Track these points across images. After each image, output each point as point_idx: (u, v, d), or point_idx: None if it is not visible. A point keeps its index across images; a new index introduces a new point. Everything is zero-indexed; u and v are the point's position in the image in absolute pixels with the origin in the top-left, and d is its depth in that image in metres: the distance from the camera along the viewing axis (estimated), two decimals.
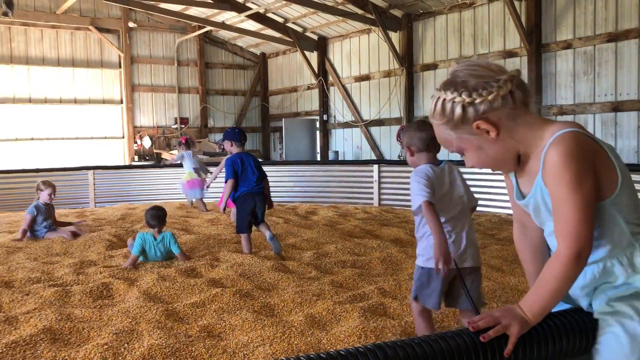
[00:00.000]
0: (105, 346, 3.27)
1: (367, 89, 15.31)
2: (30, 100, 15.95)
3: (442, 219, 2.92)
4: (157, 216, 5.52)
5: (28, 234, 6.88)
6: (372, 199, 10.69)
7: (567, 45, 10.60)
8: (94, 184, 11.71)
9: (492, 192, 9.11)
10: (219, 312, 3.97)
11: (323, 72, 16.49)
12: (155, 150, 17.35)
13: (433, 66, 13.34)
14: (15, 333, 3.59)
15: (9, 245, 6.56)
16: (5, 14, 12.88)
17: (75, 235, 6.85)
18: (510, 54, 11.62)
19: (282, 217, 8.50)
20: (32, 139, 15.98)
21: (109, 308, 4.11)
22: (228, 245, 6.35)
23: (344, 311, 3.87)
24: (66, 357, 3.18)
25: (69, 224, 7.48)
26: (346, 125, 15.97)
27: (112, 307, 4.13)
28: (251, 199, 5.84)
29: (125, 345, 3.33)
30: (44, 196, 7.03)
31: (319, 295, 4.29)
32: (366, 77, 15.26)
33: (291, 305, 4.09)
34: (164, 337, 3.41)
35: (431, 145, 2.96)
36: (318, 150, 17.12)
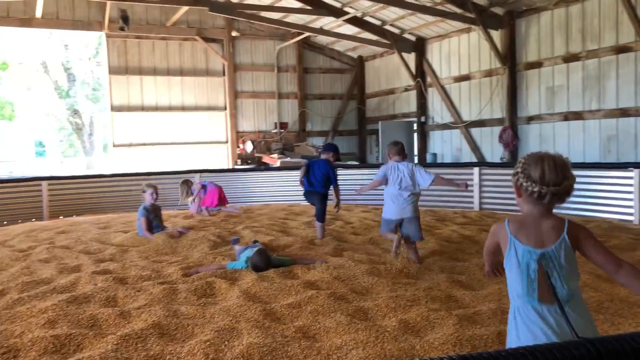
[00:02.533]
0: (208, 343, 3.45)
1: (467, 89, 14.93)
2: (143, 108, 17.09)
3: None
4: (262, 264, 5.37)
5: (141, 233, 7.36)
6: (472, 202, 10.41)
7: None
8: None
9: (602, 196, 8.58)
10: (314, 313, 4.06)
11: (421, 74, 16.28)
12: (256, 154, 17.96)
13: (537, 64, 12.76)
14: (128, 326, 3.88)
15: (124, 244, 7.08)
16: (122, 29, 13.91)
17: (181, 234, 7.25)
18: (623, 49, 10.86)
19: (378, 220, 8.48)
20: (144, 144, 17.10)
21: (211, 306, 4.32)
22: (323, 247, 6.44)
23: (438, 318, 3.82)
24: (172, 352, 3.39)
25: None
26: (445, 126, 15.67)
27: (214, 305, 4.34)
28: None
29: (226, 342, 3.49)
30: (147, 197, 7.52)
31: (414, 301, 4.26)
32: (466, 77, 14.88)
33: (385, 309, 4.09)
34: (261, 336, 3.54)
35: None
36: (416, 152, 16.92)
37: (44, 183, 11.47)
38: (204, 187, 9.90)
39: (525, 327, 2.19)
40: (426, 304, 4.19)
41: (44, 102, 34.70)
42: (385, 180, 6.07)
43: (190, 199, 9.88)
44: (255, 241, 6.58)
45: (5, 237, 7.89)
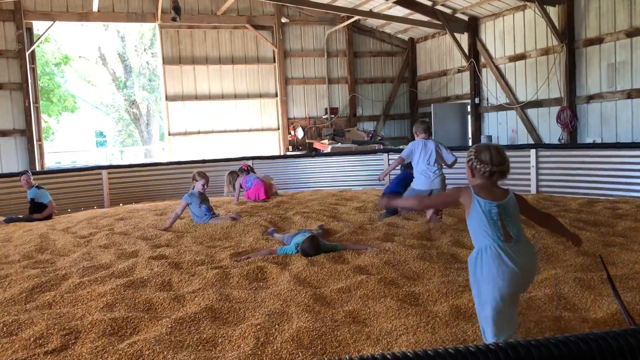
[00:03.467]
0: (258, 326, 3.50)
1: (522, 68, 14.45)
2: (196, 97, 17.41)
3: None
4: (311, 251, 5.37)
5: (195, 219, 7.52)
6: (529, 185, 10.11)
7: None
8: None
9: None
10: (363, 298, 4.05)
11: (474, 54, 15.87)
12: (307, 140, 18.02)
13: (598, 40, 12.20)
14: (182, 310, 3.98)
15: (179, 230, 7.25)
16: (174, 19, 14.16)
17: (234, 220, 7.37)
18: None
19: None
20: (199, 132, 17.45)
21: (262, 290, 4.38)
22: (374, 232, 6.40)
23: None
24: (224, 335, 3.46)
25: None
26: (500, 108, 15.24)
27: (265, 290, 4.39)
28: None
29: (276, 326, 3.53)
30: (198, 186, 7.64)
31: (465, 286, 4.17)
32: (521, 57, 14.40)
33: (436, 295, 4.03)
34: (311, 321, 3.55)
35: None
36: (470, 135, 16.56)
37: (104, 172, 11.90)
38: (241, 186, 9.98)
39: (491, 260, 2.88)
40: None
41: (103, 94, 35.92)
42: (408, 159, 7.02)
43: (232, 192, 10.01)
44: (321, 226, 6.63)
45: (69, 224, 8.23)
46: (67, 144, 36.43)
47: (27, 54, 15.39)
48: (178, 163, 12.94)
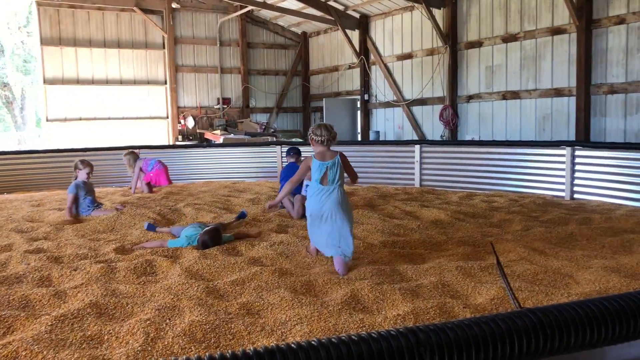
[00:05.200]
0: (148, 321, 3.36)
1: (409, 67, 15.09)
2: (78, 81, 16.39)
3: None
4: (212, 244, 5.27)
5: (74, 211, 7.10)
6: (413, 179, 10.60)
7: (620, 20, 10.17)
8: None
9: (536, 173, 8.90)
10: (257, 290, 4.02)
11: (364, 51, 16.33)
12: (198, 130, 17.61)
13: (478, 44, 13.03)
14: (64, 306, 3.73)
15: (59, 222, 6.80)
16: None
17: (118, 211, 7.03)
18: (558, 30, 11.23)
19: None
20: (80, 119, 16.44)
21: (152, 285, 4.22)
22: (267, 224, 6.40)
23: (388, 292, 3.85)
24: (111, 331, 3.28)
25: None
26: (388, 105, 15.83)
27: (155, 284, 4.23)
28: None
29: (167, 321, 3.41)
30: (82, 175, 7.23)
31: (359, 276, 4.29)
32: (409, 56, 15.03)
33: (329, 284, 4.10)
34: (204, 314, 3.48)
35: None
36: (359, 130, 17.04)
37: None
38: (141, 169, 9.57)
39: (314, 196, 4.62)
40: (371, 278, 4.24)
41: None
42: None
43: (133, 175, 9.57)
44: (220, 224, 6.42)
45: None
46: None
47: None
48: (57, 151, 12.09)
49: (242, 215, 6.59)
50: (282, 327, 3.33)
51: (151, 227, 6.22)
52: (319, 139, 4.64)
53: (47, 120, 16.14)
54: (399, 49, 15.33)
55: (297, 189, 7.26)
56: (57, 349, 3.02)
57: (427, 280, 4.18)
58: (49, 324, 3.35)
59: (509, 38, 12.27)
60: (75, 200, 7.12)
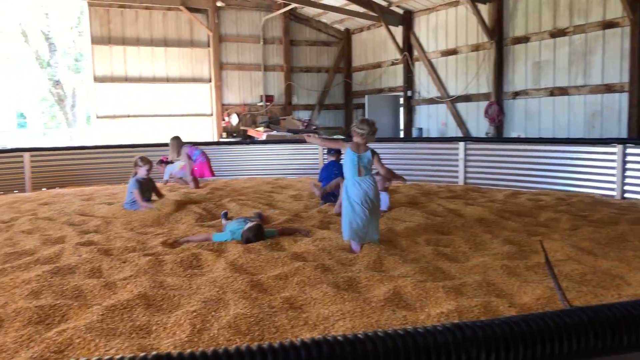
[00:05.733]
0: (194, 313, 3.44)
1: (454, 63, 14.88)
2: (126, 79, 16.81)
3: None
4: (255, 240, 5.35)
5: (127, 206, 7.28)
6: (457, 177, 10.47)
7: None
8: None
9: (585, 171, 8.66)
10: (300, 284, 4.06)
11: (408, 47, 16.18)
12: (241, 127, 17.82)
13: (524, 39, 12.74)
14: (114, 297, 3.85)
15: (108, 215, 7.01)
16: None
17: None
18: (610, 24, 10.86)
19: None
20: (128, 116, 16.87)
21: (197, 277, 4.31)
22: (310, 221, 6.44)
23: (431, 290, 3.83)
24: (158, 322, 3.38)
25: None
26: (431, 101, 15.65)
27: (200, 277, 4.32)
28: None
29: (213, 313, 3.49)
30: (142, 172, 7.41)
31: (402, 273, 4.28)
32: (453, 52, 14.82)
33: (372, 280, 4.11)
34: (248, 307, 3.53)
35: None
36: (401, 127, 16.91)
37: (26, 154, 11.28)
38: (189, 157, 9.78)
39: (352, 187, 5.08)
40: (414, 275, 4.22)
41: (24, 73, 33.99)
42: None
43: (178, 163, 9.76)
44: (259, 214, 6.55)
45: None
46: None
47: None
48: (106, 147, 12.46)
49: (259, 216, 6.62)
50: (325, 322, 3.35)
51: (224, 215, 6.48)
52: (361, 131, 5.09)
53: (97, 117, 16.63)
54: (444, 45, 15.13)
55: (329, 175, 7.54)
56: (108, 337, 3.13)
57: (471, 278, 4.14)
58: (100, 313, 3.47)
59: (557, 33, 11.95)
60: (138, 194, 7.28)
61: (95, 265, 4.62)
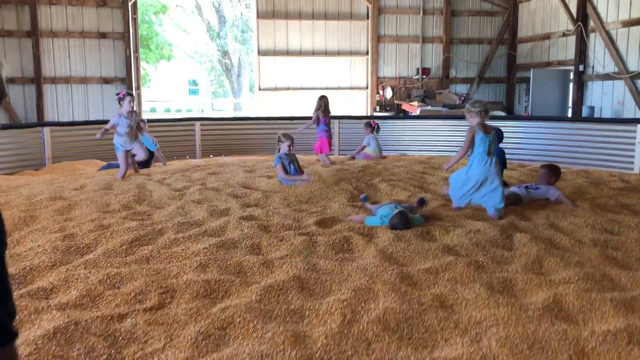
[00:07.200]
0: (345, 302, 3.51)
1: (636, 35, 13.32)
2: (287, 53, 17.45)
3: None
4: (401, 227, 5.31)
5: (283, 181, 7.62)
6: (632, 162, 9.46)
7: None
8: (339, 133, 12.49)
9: None
10: (452, 281, 3.96)
11: (583, 17, 14.77)
12: (396, 101, 17.69)
13: None
14: (271, 276, 4.06)
15: (268, 189, 7.39)
16: None
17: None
18: None
19: (523, 179, 8.02)
20: (287, 88, 17.55)
21: (348, 263, 4.38)
22: (462, 209, 6.22)
23: (597, 301, 3.52)
24: (311, 308, 3.50)
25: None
26: (606, 77, 14.21)
27: (351, 262, 4.39)
28: None
29: (363, 304, 3.53)
30: (284, 147, 7.74)
31: (564, 278, 3.98)
32: (637, 22, 13.24)
33: (530, 285, 3.87)
34: (398, 302, 3.52)
35: None
36: (570, 105, 15.61)
37: (197, 124, 12.29)
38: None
39: (477, 163, 5.77)
40: (576, 282, 3.90)
41: (197, 43, 36.78)
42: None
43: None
44: (422, 200, 6.44)
45: (164, 175, 8.61)
46: (161, 91, 37.82)
47: (129, 4, 15.93)
48: (267, 119, 13.14)
49: (421, 202, 6.41)
50: (477, 327, 3.24)
51: (365, 199, 6.51)
52: (478, 110, 5.69)
53: (260, 89, 17.53)
54: (626, 14, 13.56)
55: None
56: (264, 319, 3.32)
57: None
58: (259, 293, 3.68)
59: None
60: (284, 168, 7.65)
61: (255, 241, 4.89)
